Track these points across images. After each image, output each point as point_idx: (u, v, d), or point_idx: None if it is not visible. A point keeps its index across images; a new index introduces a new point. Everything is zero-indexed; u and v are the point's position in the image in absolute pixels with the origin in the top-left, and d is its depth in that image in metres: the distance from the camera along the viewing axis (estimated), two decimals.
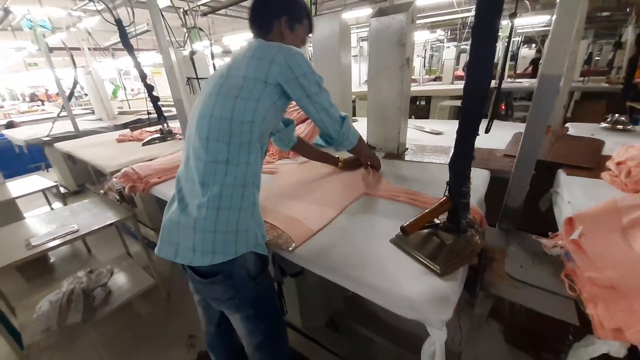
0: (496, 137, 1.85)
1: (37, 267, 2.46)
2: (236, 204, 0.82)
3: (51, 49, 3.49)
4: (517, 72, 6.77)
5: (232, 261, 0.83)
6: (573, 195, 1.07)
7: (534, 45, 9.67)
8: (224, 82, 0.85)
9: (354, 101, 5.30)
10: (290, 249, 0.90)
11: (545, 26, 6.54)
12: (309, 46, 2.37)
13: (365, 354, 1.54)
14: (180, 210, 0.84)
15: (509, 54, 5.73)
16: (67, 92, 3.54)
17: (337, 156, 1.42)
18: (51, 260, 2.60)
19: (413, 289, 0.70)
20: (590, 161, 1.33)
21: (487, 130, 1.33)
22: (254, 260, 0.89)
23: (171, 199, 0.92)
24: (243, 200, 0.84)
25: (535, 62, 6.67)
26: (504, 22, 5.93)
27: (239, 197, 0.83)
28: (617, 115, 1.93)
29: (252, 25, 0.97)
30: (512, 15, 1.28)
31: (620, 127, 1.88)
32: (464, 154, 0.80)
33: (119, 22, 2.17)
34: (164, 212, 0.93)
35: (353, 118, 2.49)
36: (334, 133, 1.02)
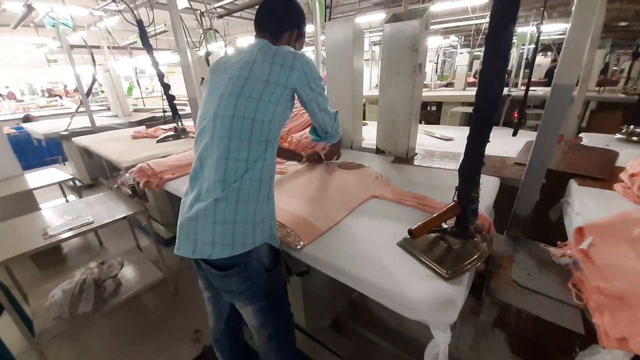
0: (508, 145, 1.84)
1: (51, 257, 2.53)
2: (254, 195, 0.87)
3: (72, 47, 3.61)
4: (532, 80, 6.68)
5: (249, 253, 0.87)
6: (584, 206, 1.06)
7: (549, 53, 9.54)
8: (245, 84, 0.88)
9: (364, 105, 5.31)
10: (298, 247, 0.92)
11: (561, 34, 6.46)
12: (322, 49, 2.39)
13: (368, 357, 1.54)
14: (198, 207, 0.86)
15: (524, 61, 5.69)
16: (86, 89, 3.65)
17: (300, 153, 1.62)
18: (64, 251, 2.67)
19: (419, 291, 0.71)
20: (603, 172, 1.32)
21: (514, 134, 1.34)
22: (268, 253, 0.93)
23: (185, 198, 0.94)
24: (260, 193, 0.88)
25: (550, 73, 6.58)
26: (520, 30, 5.88)
27: (256, 189, 0.87)
28: (632, 126, 1.89)
29: (263, 27, 1.02)
30: (539, 24, 1.28)
31: (635, 138, 1.85)
32: (473, 160, 0.81)
33: (139, 23, 2.24)
34: (178, 211, 0.95)
35: (363, 122, 2.50)
36: (330, 129, 1.24)
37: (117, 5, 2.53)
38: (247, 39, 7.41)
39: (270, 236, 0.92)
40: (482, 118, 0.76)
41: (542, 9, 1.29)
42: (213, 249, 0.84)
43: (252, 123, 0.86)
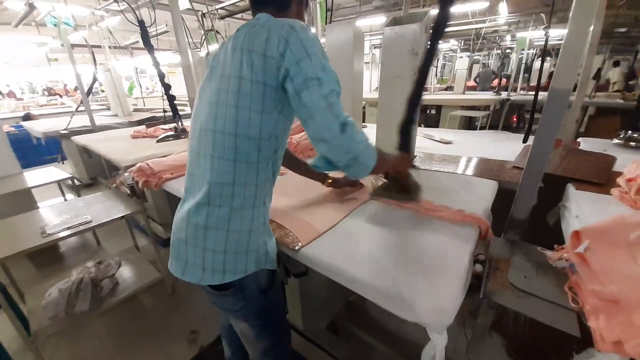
0: (507, 149, 1.85)
1: (48, 256, 2.52)
2: (246, 226, 0.78)
3: (73, 46, 3.62)
4: (531, 84, 6.72)
5: (244, 276, 0.81)
6: (581, 210, 1.07)
7: (548, 58, 9.59)
8: (219, 86, 0.73)
9: (363, 107, 5.33)
10: (296, 248, 0.92)
11: (560, 39, 6.49)
12: None
13: (365, 359, 1.54)
14: (186, 230, 0.79)
15: (523, 66, 5.72)
16: (86, 88, 3.65)
17: (326, 172, 1.24)
18: (61, 250, 2.67)
19: (416, 292, 0.71)
20: (600, 177, 1.32)
21: (524, 140, 1.36)
22: (266, 274, 0.88)
23: (178, 211, 0.86)
24: (253, 222, 0.79)
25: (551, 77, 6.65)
26: (519, 35, 5.90)
27: (248, 219, 0.78)
28: (630, 132, 1.91)
29: (265, 2, 0.79)
30: (546, 28, 1.30)
31: (633, 144, 1.86)
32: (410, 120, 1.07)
33: (141, 23, 2.24)
34: (174, 215, 0.88)
35: (362, 124, 2.51)
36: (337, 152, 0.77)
37: (118, 5, 2.54)
38: None
39: (266, 261, 0.85)
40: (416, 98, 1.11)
41: (549, 14, 1.31)
42: (203, 274, 0.78)
43: (236, 139, 0.70)
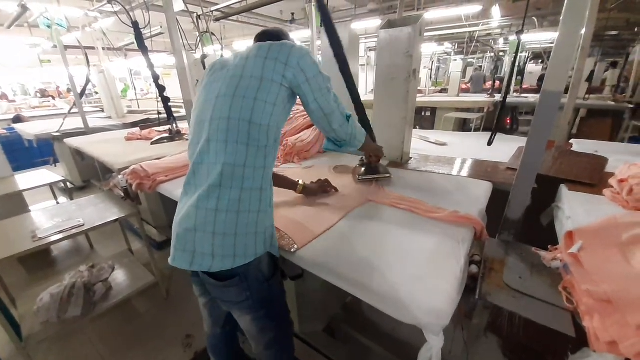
0: (501, 150, 1.86)
1: (40, 260, 2.48)
2: (255, 206, 0.83)
3: (66, 47, 3.58)
4: (523, 87, 6.81)
5: (250, 263, 0.84)
6: (574, 211, 1.08)
7: (540, 61, 9.74)
8: (239, 83, 0.83)
9: None
10: (292, 250, 0.91)
11: (552, 43, 6.60)
12: (318, 54, 2.41)
13: None
14: (196, 216, 0.81)
15: (516, 69, 5.79)
16: (79, 90, 3.61)
17: (297, 180, 1.30)
18: (53, 254, 2.63)
19: (412, 294, 0.71)
20: (592, 177, 1.34)
21: (489, 143, 1.37)
22: (268, 261, 0.90)
23: (181, 205, 0.89)
24: (261, 203, 0.84)
25: (542, 80, 6.76)
26: (512, 38, 5.99)
27: (257, 200, 0.84)
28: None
29: (261, 39, 0.99)
30: (519, 32, 1.32)
31: None
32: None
33: (135, 24, 2.23)
34: (172, 214, 0.90)
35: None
36: (345, 135, 1.04)
37: (112, 7, 2.52)
38: (243, 42, 7.43)
39: (272, 245, 0.89)
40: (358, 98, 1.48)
41: (523, 19, 1.35)
42: (213, 260, 0.80)
43: (249, 126, 0.80)
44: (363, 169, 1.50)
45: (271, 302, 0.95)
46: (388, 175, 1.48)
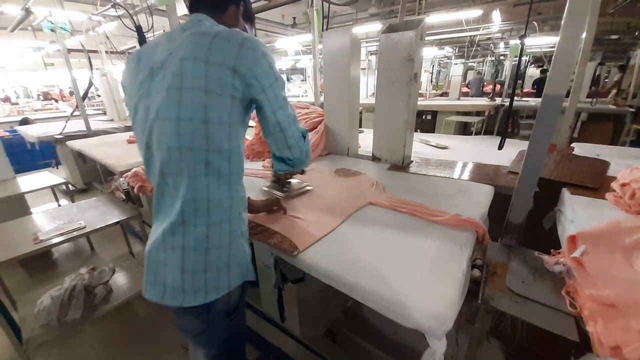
0: (502, 154, 1.85)
1: (40, 262, 2.48)
2: (225, 240, 0.75)
3: (69, 50, 3.60)
4: (524, 90, 6.83)
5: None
6: (576, 215, 1.08)
7: (540, 65, 9.77)
8: (181, 99, 0.66)
9: (360, 112, 5.37)
10: (294, 253, 0.91)
11: (552, 47, 6.63)
12: (320, 58, 2.42)
13: None
14: (165, 249, 0.74)
15: (517, 73, 5.82)
16: (82, 93, 3.64)
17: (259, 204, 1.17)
18: (54, 256, 2.63)
19: (414, 298, 0.71)
20: (594, 181, 1.34)
21: (500, 147, 1.37)
22: (238, 292, 0.83)
23: (153, 229, 0.80)
24: (232, 235, 0.77)
25: (539, 83, 6.79)
26: (512, 42, 6.01)
27: (227, 232, 0.76)
28: None
29: (202, 3, 0.79)
30: (522, 37, 1.32)
31: None
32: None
33: (139, 28, 2.24)
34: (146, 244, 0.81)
35: (359, 129, 2.52)
36: (298, 152, 0.89)
37: (116, 11, 2.54)
38: None
39: (247, 272, 0.83)
40: None
41: (526, 24, 1.35)
42: (184, 296, 0.73)
43: (206, 154, 0.69)
44: (273, 180, 1.40)
45: (227, 341, 0.88)
46: (286, 193, 1.33)
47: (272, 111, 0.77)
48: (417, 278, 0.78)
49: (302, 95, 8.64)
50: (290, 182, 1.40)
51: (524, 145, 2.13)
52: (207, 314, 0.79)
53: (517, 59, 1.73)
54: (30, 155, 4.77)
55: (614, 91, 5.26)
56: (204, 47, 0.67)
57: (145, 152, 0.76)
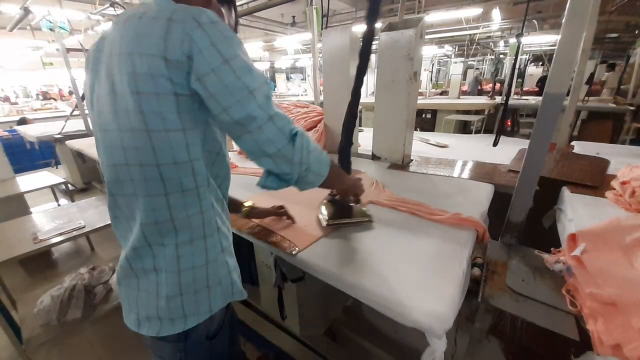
0: (502, 152, 1.86)
1: (40, 262, 2.48)
2: (200, 259, 0.64)
3: (68, 50, 3.60)
4: (524, 89, 6.83)
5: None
6: (576, 213, 1.08)
7: (540, 63, 9.77)
8: (116, 106, 0.54)
9: (360, 111, 5.36)
10: (293, 252, 0.91)
11: (552, 45, 6.64)
12: (319, 57, 2.41)
13: None
14: (135, 274, 0.65)
15: (517, 71, 5.82)
16: (81, 92, 3.63)
17: (244, 201, 1.05)
18: (54, 256, 2.62)
19: (414, 297, 0.71)
20: (594, 180, 1.34)
21: (495, 144, 1.37)
22: (220, 313, 0.72)
23: (122, 250, 0.69)
24: (208, 253, 0.65)
25: (542, 81, 6.80)
26: (512, 41, 6.01)
27: (202, 250, 0.64)
28: None
29: None
30: (519, 35, 1.33)
31: None
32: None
33: None
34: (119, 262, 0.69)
35: (359, 128, 2.52)
36: (286, 166, 0.65)
37: (114, 10, 2.53)
38: (245, 45, 7.46)
39: (233, 292, 0.71)
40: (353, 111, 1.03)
41: (523, 23, 1.35)
42: (161, 324, 0.64)
43: (159, 170, 0.56)
44: (331, 208, 1.06)
45: None
46: (367, 219, 1.04)
47: (223, 108, 0.54)
48: (417, 277, 0.78)
49: (302, 94, 8.64)
50: (351, 206, 1.06)
51: (523, 143, 2.14)
52: (183, 343, 0.69)
53: (515, 57, 1.72)
54: (29, 155, 4.77)
55: (605, 89, 5.27)
56: (130, 34, 0.52)
57: (104, 169, 0.64)
